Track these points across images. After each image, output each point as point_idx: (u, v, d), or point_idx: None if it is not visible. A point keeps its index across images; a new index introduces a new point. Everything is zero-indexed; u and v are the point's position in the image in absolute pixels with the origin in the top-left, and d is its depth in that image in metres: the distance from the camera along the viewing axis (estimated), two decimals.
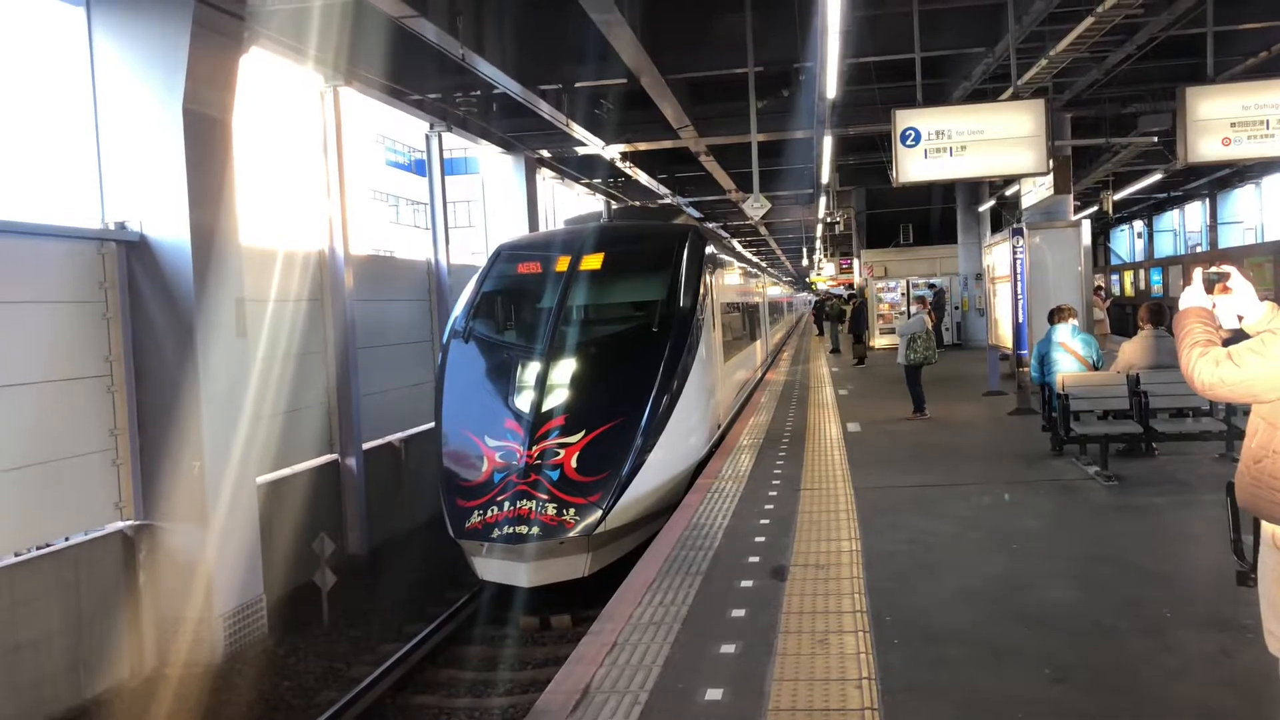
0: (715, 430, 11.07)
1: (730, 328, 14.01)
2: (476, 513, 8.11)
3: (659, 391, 8.98)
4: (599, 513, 8.05)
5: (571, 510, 7.99)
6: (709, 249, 11.56)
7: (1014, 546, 6.39)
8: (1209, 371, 2.97)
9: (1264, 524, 2.99)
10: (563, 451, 8.31)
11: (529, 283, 10.36)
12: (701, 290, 10.45)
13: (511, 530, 7.86)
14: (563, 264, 10.19)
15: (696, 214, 28.20)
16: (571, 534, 7.92)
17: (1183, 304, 3.22)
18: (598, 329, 9.71)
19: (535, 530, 7.84)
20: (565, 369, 9.04)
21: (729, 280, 14.46)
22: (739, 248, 34.38)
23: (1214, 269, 3.23)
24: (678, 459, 9.14)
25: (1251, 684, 3.88)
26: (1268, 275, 19.20)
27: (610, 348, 9.45)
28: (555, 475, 8.17)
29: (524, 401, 8.80)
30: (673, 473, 8.97)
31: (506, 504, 8.01)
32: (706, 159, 20.09)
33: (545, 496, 8.02)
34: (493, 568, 8.21)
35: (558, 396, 8.79)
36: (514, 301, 10.28)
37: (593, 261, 10.19)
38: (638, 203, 24.90)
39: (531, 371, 9.04)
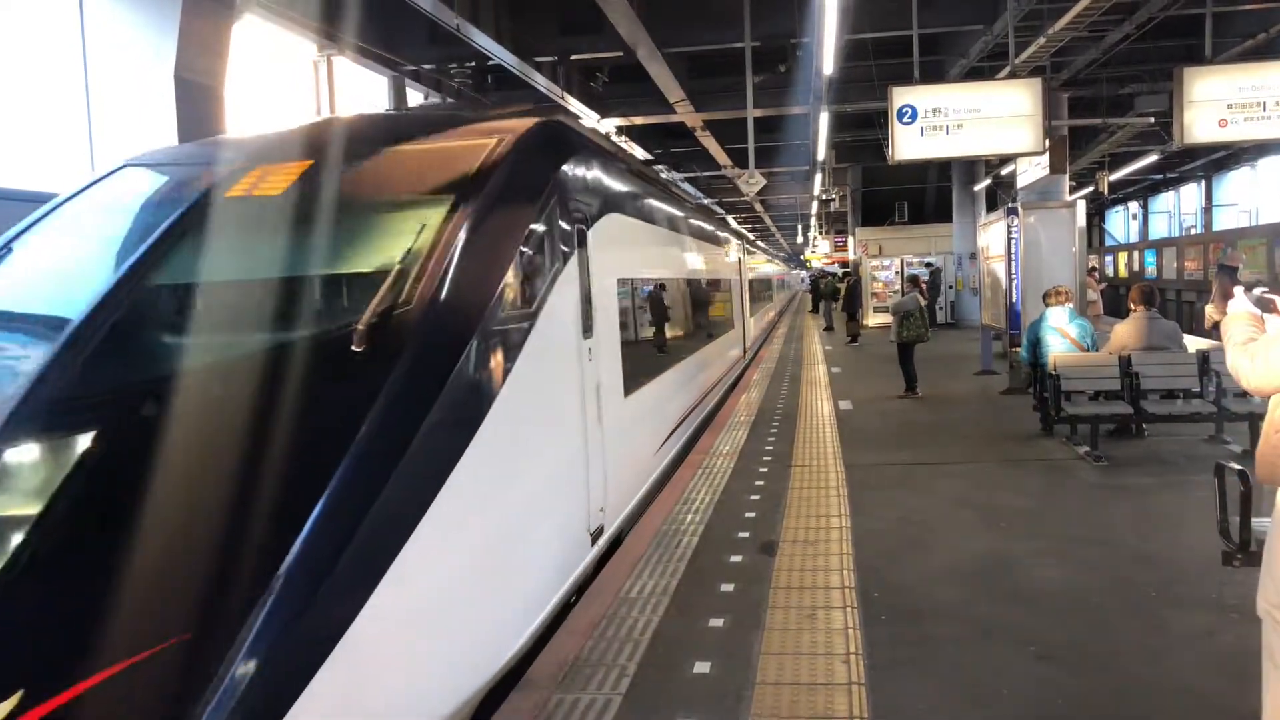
0: (579, 564, 5.25)
1: (655, 324, 8.59)
2: None
3: (333, 523, 3.09)
4: None
5: None
6: (581, 169, 5.75)
7: (1002, 525, 6.42)
8: (1250, 368, 3.15)
9: None
10: None
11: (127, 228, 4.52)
12: (546, 254, 4.86)
13: None
14: (212, 185, 4.44)
15: (693, 190, 27.42)
16: None
17: (1231, 309, 3.41)
18: (209, 353, 3.76)
19: None
20: (42, 469, 3.28)
21: (650, 237, 8.32)
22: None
23: (1262, 292, 3.41)
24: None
25: (1235, 664, 3.90)
26: (1262, 258, 19.23)
27: (226, 403, 3.48)
28: None
29: None
30: None
31: None
32: (703, 134, 20.03)
33: None
34: None
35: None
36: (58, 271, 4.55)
37: (272, 183, 4.40)
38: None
39: None
